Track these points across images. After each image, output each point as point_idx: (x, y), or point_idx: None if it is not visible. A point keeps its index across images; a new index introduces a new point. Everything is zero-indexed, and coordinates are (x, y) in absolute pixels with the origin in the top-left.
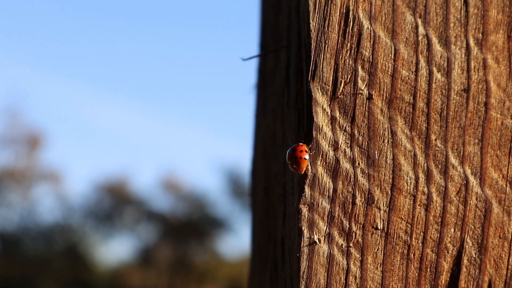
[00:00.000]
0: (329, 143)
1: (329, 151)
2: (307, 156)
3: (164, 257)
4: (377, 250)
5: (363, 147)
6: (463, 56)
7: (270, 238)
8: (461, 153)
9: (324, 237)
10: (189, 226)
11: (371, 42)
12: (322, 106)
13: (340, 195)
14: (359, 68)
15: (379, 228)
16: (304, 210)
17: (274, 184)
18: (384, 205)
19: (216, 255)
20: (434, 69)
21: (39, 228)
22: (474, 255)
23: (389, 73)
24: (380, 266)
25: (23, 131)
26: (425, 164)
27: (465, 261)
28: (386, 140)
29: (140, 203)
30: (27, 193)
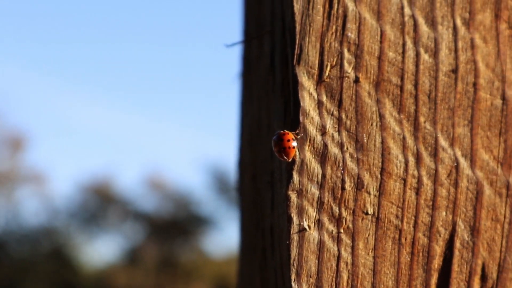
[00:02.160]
0: (316, 127)
1: (316, 136)
2: (295, 144)
3: (151, 257)
4: (368, 235)
5: (351, 131)
6: (451, 36)
7: (259, 227)
8: (451, 135)
9: (314, 223)
10: (174, 225)
11: (357, 24)
12: (309, 91)
13: (329, 181)
14: (345, 50)
15: (369, 213)
16: (293, 196)
17: (261, 172)
18: (374, 189)
19: (203, 253)
20: (421, 50)
21: (24, 231)
22: (466, 238)
23: (376, 55)
24: (371, 251)
25: (6, 132)
26: (415, 147)
27: (457, 244)
28: (374, 124)
29: (125, 203)
30: (11, 195)
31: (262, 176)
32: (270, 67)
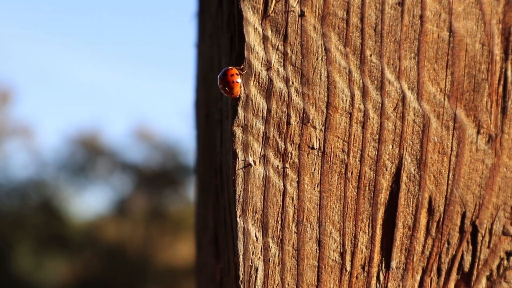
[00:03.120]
0: (261, 62)
1: (261, 71)
2: (239, 80)
3: (139, 208)
4: (314, 170)
5: (296, 65)
6: None
7: (212, 166)
8: (397, 68)
9: (260, 159)
10: (163, 175)
11: None
12: (254, 25)
13: (275, 116)
14: None
15: (315, 147)
16: (238, 132)
17: (213, 110)
18: (320, 124)
19: (191, 203)
20: None
21: (12, 184)
22: (413, 172)
23: None
24: (317, 186)
25: None
26: (361, 81)
27: (404, 178)
28: (320, 58)
29: (113, 154)
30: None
31: (214, 115)
32: (219, 3)
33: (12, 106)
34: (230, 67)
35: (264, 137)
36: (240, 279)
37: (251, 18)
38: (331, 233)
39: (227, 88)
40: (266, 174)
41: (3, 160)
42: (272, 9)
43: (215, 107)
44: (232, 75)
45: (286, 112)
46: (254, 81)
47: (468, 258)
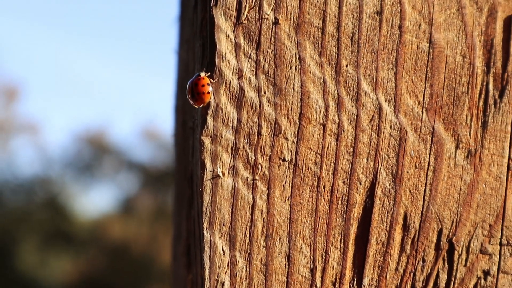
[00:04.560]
0: (233, 71)
1: (233, 79)
2: (210, 89)
3: (145, 207)
4: (285, 182)
5: (269, 74)
6: None
7: (186, 175)
8: (374, 79)
9: (228, 170)
10: (169, 175)
11: None
12: (226, 33)
13: (245, 126)
14: None
15: (286, 159)
16: (207, 142)
17: (188, 117)
18: (292, 135)
19: None
20: None
21: (19, 181)
22: (388, 186)
23: None
24: (288, 199)
25: (0, 82)
26: (336, 92)
27: (378, 192)
28: (293, 67)
29: (119, 153)
30: (6, 145)
31: (188, 123)
32: (194, 8)
33: (19, 103)
34: (201, 76)
35: (233, 148)
36: None
37: (223, 24)
38: (301, 248)
39: (197, 100)
40: (235, 186)
41: (9, 157)
42: (245, 16)
43: (189, 114)
44: (203, 85)
45: (257, 123)
46: (224, 89)
47: (443, 277)
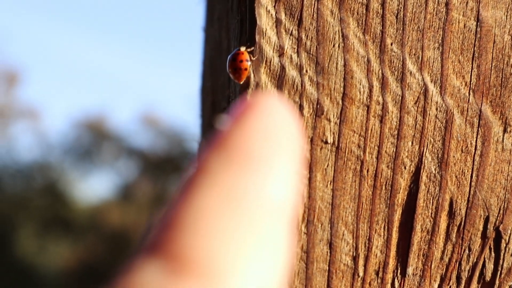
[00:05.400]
0: (273, 48)
1: (273, 57)
2: (248, 64)
3: (144, 193)
4: (327, 166)
5: (311, 52)
6: None
7: None
8: (420, 59)
9: None
10: (168, 161)
11: None
12: (266, 8)
13: None
14: None
15: (329, 142)
16: None
17: (219, 98)
18: (335, 116)
19: None
20: None
21: (18, 166)
22: (434, 171)
23: None
24: (330, 184)
25: (0, 67)
26: (380, 71)
27: (424, 177)
28: (336, 45)
29: (119, 139)
30: (5, 130)
31: (220, 103)
32: None
33: (19, 88)
34: (241, 50)
35: None
36: None
37: None
38: (343, 235)
39: (235, 74)
40: None
41: (9, 142)
42: None
43: (221, 94)
44: (242, 60)
45: (299, 103)
46: (265, 67)
47: (490, 266)
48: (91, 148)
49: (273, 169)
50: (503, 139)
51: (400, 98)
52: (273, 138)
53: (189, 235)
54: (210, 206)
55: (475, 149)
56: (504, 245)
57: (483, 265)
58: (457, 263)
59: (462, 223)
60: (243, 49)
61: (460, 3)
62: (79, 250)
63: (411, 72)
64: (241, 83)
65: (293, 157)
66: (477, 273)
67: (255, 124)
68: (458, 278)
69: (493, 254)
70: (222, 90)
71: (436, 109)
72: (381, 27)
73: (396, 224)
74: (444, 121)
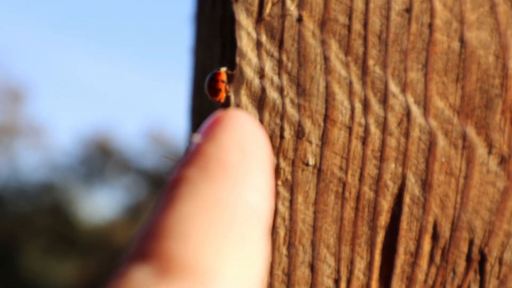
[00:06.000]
0: (254, 70)
1: (254, 79)
2: (225, 86)
3: None
4: (309, 188)
5: (292, 74)
6: None
7: None
8: (403, 80)
9: None
10: None
11: None
12: (247, 30)
13: (267, 128)
14: None
15: (310, 164)
16: None
17: (204, 119)
18: (316, 138)
19: None
20: None
21: (23, 185)
22: (417, 193)
23: None
24: (312, 206)
25: (5, 84)
26: (362, 93)
27: (407, 200)
28: (318, 66)
29: (126, 158)
30: (10, 148)
31: None
32: (212, 5)
33: (25, 105)
34: (219, 71)
35: None
36: None
37: (245, 21)
38: (325, 257)
39: (211, 93)
40: None
41: (14, 160)
42: (267, 12)
43: (206, 116)
44: (217, 81)
45: (280, 125)
46: (245, 89)
47: None
48: (97, 166)
49: (248, 178)
50: (488, 161)
51: (383, 119)
52: (246, 149)
53: (176, 240)
54: (193, 213)
55: (460, 171)
56: (490, 268)
57: None
58: (442, 286)
59: (447, 246)
60: (223, 69)
61: (443, 24)
62: (85, 269)
63: (394, 94)
64: (222, 102)
65: (265, 166)
66: None
67: (228, 137)
68: None
69: (478, 276)
70: (208, 112)
71: (420, 130)
72: (363, 49)
73: (379, 246)
74: (427, 143)
